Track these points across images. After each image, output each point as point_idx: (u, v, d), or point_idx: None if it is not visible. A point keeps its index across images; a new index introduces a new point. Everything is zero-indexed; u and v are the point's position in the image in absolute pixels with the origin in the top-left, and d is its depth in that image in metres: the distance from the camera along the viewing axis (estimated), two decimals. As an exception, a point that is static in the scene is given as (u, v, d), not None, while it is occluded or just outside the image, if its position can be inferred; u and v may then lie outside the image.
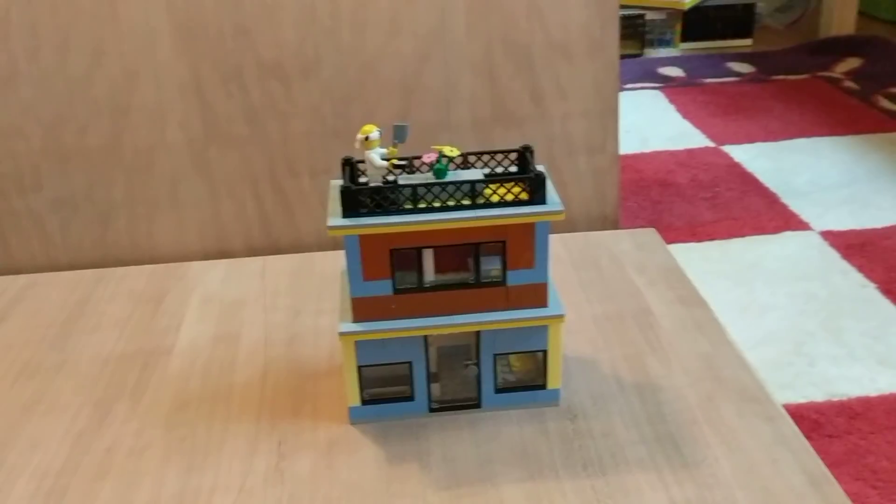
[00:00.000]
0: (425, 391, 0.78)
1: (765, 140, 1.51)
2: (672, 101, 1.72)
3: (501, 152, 0.76)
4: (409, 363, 0.76)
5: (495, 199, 0.71)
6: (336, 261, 1.07)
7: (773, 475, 0.71)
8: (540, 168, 0.71)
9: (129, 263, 1.10)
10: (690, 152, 1.48)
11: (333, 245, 1.13)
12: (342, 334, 0.73)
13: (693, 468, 0.72)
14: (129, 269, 1.06)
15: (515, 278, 0.73)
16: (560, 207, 0.71)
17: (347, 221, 0.70)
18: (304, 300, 0.98)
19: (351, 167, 0.74)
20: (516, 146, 0.77)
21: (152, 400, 0.82)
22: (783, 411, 0.79)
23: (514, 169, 0.77)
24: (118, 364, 0.87)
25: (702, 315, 0.93)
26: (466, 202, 0.71)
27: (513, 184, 0.72)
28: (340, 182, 0.75)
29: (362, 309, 0.73)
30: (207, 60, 1.04)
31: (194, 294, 1.00)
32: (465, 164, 0.76)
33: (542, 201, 0.71)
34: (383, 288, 0.72)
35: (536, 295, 0.74)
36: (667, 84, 1.85)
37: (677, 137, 1.54)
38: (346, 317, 0.74)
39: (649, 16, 2.17)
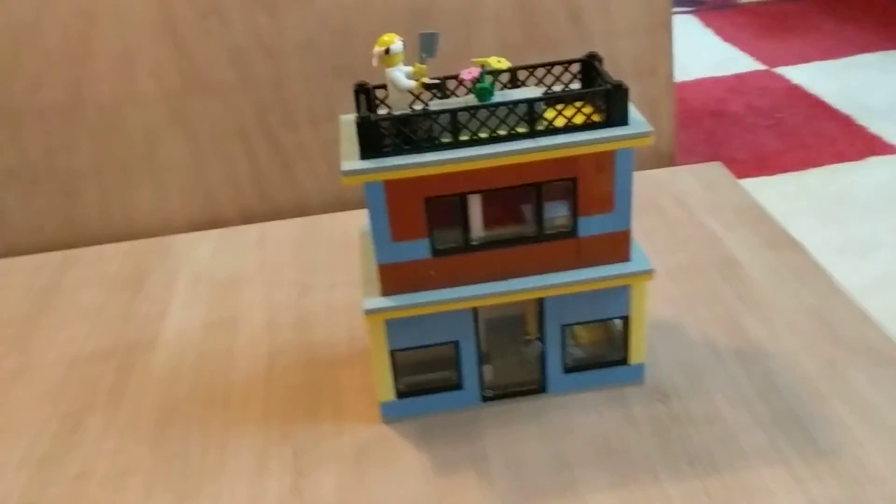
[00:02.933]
0: (476, 376, 0.61)
1: (822, 59, 1.33)
2: (708, 24, 1.53)
3: (560, 63, 0.58)
4: (456, 343, 0.59)
5: (560, 122, 0.54)
6: (347, 223, 0.90)
7: (939, 461, 0.55)
8: (618, 80, 0.54)
9: (102, 241, 0.93)
10: (739, 77, 1.30)
11: (342, 205, 0.96)
12: (368, 312, 0.56)
13: (832, 457, 0.56)
14: (102, 249, 0.89)
15: (589, 227, 0.56)
16: (647, 129, 0.54)
17: (368, 164, 0.53)
18: (312, 273, 0.81)
19: (367, 95, 0.57)
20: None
21: (132, 408, 0.66)
22: (930, 375, 0.62)
23: (576, 86, 0.59)
24: (90, 365, 0.71)
25: (798, 260, 0.77)
26: (522, 130, 0.54)
27: (582, 102, 0.55)
28: (353, 116, 0.58)
29: (392, 279, 0.56)
30: (177, -9, 0.87)
31: (181, 273, 0.84)
32: (513, 83, 0.59)
33: (624, 122, 0.54)
34: (418, 250, 0.55)
35: (616, 247, 0.57)
36: (698, 7, 1.66)
37: (721, 63, 1.36)
38: (371, 290, 0.58)
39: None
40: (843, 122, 1.12)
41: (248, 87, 0.91)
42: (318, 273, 0.81)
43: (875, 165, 1.01)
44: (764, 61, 1.37)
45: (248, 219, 0.96)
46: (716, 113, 1.18)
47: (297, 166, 0.95)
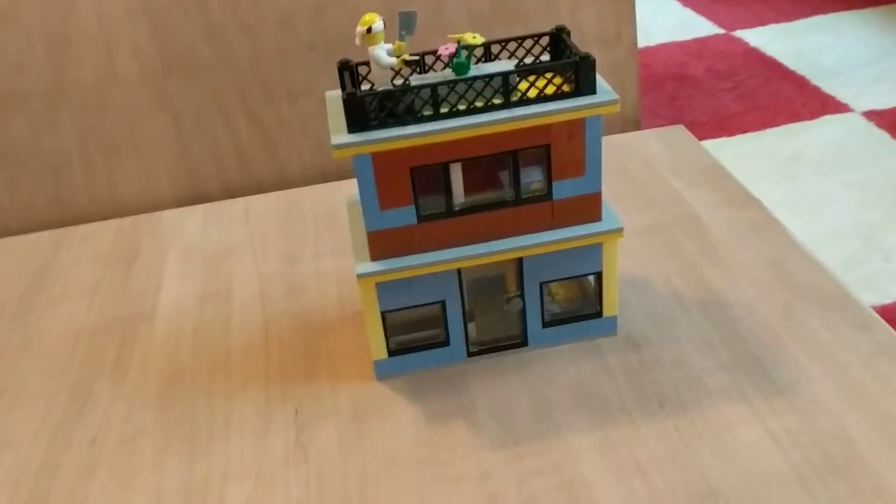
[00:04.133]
0: (461, 333, 0.66)
1: (778, 21, 1.37)
2: (668, -11, 1.58)
3: (531, 37, 0.62)
4: (442, 303, 0.64)
5: (533, 93, 0.58)
6: (328, 195, 0.93)
7: (883, 392, 0.60)
8: (585, 52, 0.58)
9: (91, 220, 0.96)
10: (700, 42, 1.34)
11: (323, 177, 1.00)
12: (360, 276, 0.60)
13: (788, 394, 0.61)
14: (91, 227, 0.92)
15: (562, 190, 0.61)
16: (614, 97, 0.58)
17: (356, 138, 0.56)
18: (298, 244, 0.85)
19: (350, 72, 0.61)
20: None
21: (138, 376, 0.69)
22: (876, 316, 0.68)
23: (546, 58, 0.63)
24: (93, 338, 0.74)
25: (757, 216, 0.82)
26: (498, 101, 0.58)
27: (552, 74, 0.59)
28: (339, 93, 0.62)
29: (381, 244, 0.60)
30: (154, -27, 0.89)
31: (171, 248, 0.87)
32: (486, 57, 0.62)
33: (592, 91, 0.58)
34: (405, 217, 0.60)
35: (588, 208, 0.62)
36: (658, -27, 1.70)
37: (681, 27, 1.40)
38: (361, 255, 0.62)
39: None
40: (799, 83, 1.17)
41: (227, 64, 0.93)
42: (305, 243, 0.85)
43: (828, 124, 1.06)
44: (722, 25, 1.41)
45: (231, 193, 0.99)
46: (678, 77, 1.23)
47: (277, 140, 0.98)
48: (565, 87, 0.58)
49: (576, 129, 0.58)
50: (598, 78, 0.59)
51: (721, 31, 1.40)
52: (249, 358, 0.70)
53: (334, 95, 0.62)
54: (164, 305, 0.78)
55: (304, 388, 0.66)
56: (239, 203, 0.94)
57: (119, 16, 0.89)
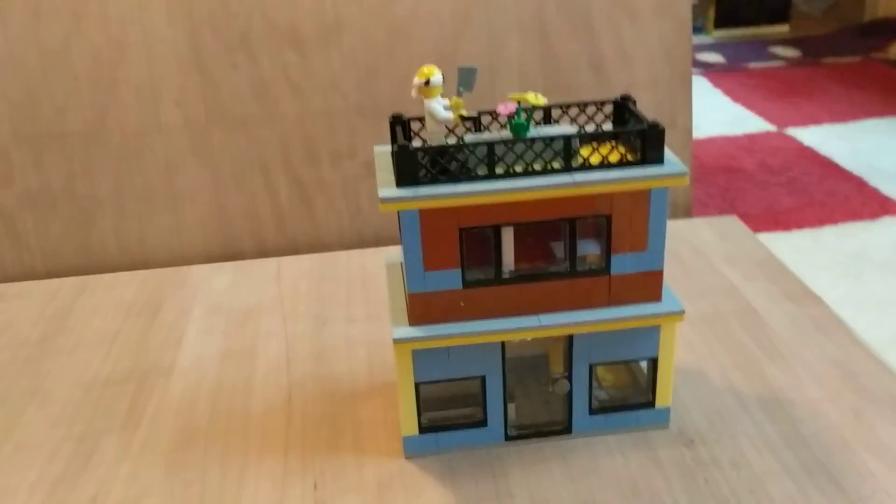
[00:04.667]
0: (500, 414, 0.60)
1: (832, 122, 1.35)
2: (717, 85, 1.57)
3: (594, 103, 0.59)
4: (482, 378, 0.59)
5: (595, 159, 0.54)
6: (364, 260, 0.90)
7: (969, 514, 0.54)
8: (654, 120, 0.55)
9: (118, 269, 0.93)
10: (751, 137, 1.32)
11: (360, 242, 0.96)
12: (397, 341, 0.56)
13: (861, 507, 0.55)
14: (117, 276, 0.89)
15: (621, 265, 0.56)
16: (683, 169, 0.54)
17: (404, 192, 0.53)
18: (330, 307, 0.81)
19: (402, 126, 0.58)
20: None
21: (149, 433, 0.65)
22: (956, 429, 0.62)
23: (607, 127, 0.60)
24: (105, 389, 0.70)
25: (819, 313, 0.76)
26: (557, 165, 0.54)
27: (616, 142, 0.55)
28: (388, 147, 0.59)
29: (422, 308, 0.56)
30: (208, 25, 0.88)
31: (196, 302, 0.83)
32: (546, 120, 0.59)
33: (659, 161, 0.54)
34: (449, 280, 0.55)
35: (648, 286, 0.57)
36: (708, 69, 1.70)
37: (732, 122, 1.38)
38: (399, 319, 0.57)
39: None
40: (856, 183, 1.14)
41: (272, 121, 0.92)
42: (336, 307, 0.81)
43: (889, 225, 1.02)
44: (773, 122, 1.39)
45: (264, 252, 0.96)
46: (729, 169, 1.20)
47: (316, 202, 0.95)
48: (629, 157, 0.55)
49: (640, 199, 0.55)
50: (666, 149, 0.55)
51: (773, 128, 1.38)
52: (269, 422, 0.65)
53: (383, 150, 0.59)
54: (184, 361, 0.73)
55: (326, 460, 0.61)
56: (271, 262, 0.90)
57: (168, 63, 0.89)
